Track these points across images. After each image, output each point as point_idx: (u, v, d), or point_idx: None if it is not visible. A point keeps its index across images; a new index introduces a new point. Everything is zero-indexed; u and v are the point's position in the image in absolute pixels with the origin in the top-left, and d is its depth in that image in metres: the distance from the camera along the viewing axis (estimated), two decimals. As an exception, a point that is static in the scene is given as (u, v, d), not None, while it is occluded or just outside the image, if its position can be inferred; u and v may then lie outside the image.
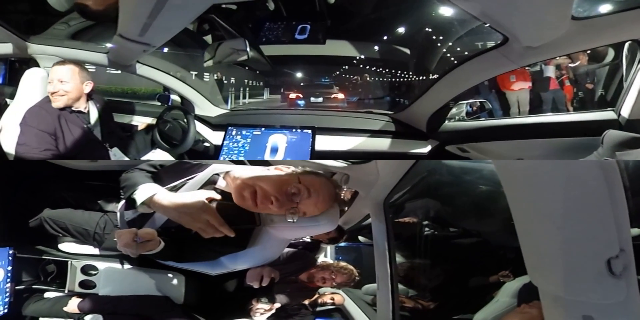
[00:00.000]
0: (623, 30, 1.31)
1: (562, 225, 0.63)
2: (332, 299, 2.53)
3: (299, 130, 2.17)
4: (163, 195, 1.28)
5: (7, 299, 1.70)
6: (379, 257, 1.72)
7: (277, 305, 1.98)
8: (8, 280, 1.70)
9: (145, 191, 1.29)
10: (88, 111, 1.94)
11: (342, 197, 1.42)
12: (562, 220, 0.63)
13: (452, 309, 1.95)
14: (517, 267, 1.67)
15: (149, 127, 2.33)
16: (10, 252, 1.72)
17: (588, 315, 0.67)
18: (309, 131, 2.15)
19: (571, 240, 0.64)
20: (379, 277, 1.72)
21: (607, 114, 1.65)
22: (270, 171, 1.31)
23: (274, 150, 2.14)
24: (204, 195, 1.28)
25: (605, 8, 1.34)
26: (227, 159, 2.15)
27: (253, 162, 1.39)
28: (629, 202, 0.62)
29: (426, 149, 2.13)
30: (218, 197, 1.30)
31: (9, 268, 1.71)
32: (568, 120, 1.79)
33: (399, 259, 1.82)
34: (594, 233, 0.62)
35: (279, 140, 2.16)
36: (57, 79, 1.81)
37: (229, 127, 2.25)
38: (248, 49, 1.77)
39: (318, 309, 2.49)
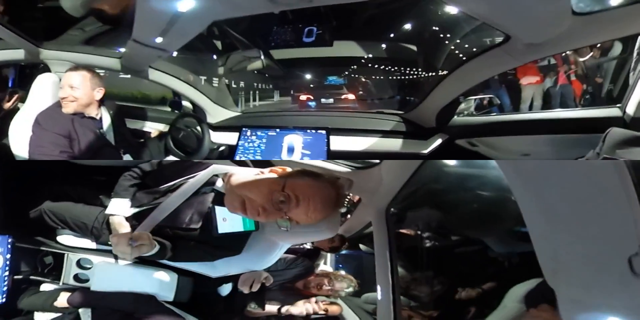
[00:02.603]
0: (627, 24, 1.28)
1: (578, 225, 0.60)
2: (326, 310, 2.41)
3: (313, 131, 2.18)
4: (113, 219, 1.51)
5: (5, 288, 1.69)
6: (379, 267, 1.64)
7: (268, 311, 1.94)
8: (7, 268, 1.68)
9: (112, 208, 1.52)
10: (100, 118, 1.95)
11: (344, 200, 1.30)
12: (576, 219, 0.60)
13: (457, 318, 1.92)
14: (521, 272, 1.63)
15: (162, 134, 2.35)
16: (10, 240, 1.69)
17: None
18: (323, 132, 2.17)
19: (589, 239, 0.61)
20: (380, 287, 1.65)
21: (613, 111, 1.64)
22: (266, 173, 1.22)
23: (291, 150, 2.15)
24: (127, 229, 1.47)
25: (607, 2, 1.29)
26: (243, 158, 2.16)
27: (255, 163, 1.38)
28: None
29: (436, 143, 2.12)
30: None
31: (8, 256, 1.69)
32: (575, 117, 1.78)
33: (399, 269, 1.78)
34: (611, 231, 0.59)
35: (294, 140, 2.17)
36: (68, 84, 1.83)
37: (244, 128, 2.26)
38: (262, 58, 1.80)
39: (313, 317, 2.40)
